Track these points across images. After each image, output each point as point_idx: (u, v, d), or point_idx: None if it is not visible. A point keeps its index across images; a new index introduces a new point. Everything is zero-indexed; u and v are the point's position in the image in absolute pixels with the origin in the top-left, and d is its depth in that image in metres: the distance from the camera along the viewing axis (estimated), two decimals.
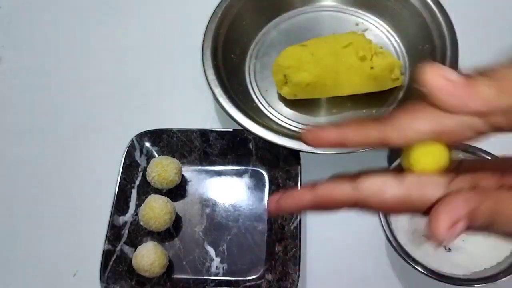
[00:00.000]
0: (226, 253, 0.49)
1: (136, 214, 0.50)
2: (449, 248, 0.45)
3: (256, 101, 0.57)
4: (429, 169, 0.25)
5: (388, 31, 0.60)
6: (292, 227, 0.47)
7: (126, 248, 0.48)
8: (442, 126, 0.24)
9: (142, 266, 0.45)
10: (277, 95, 0.56)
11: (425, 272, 0.43)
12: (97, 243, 0.47)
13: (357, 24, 0.61)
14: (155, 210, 0.47)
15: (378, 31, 0.60)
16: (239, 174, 0.53)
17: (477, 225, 0.22)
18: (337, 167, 0.52)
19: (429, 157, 0.25)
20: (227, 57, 0.57)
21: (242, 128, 0.50)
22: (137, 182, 0.52)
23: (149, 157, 0.53)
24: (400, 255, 0.45)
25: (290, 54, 0.52)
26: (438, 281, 0.43)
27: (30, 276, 0.50)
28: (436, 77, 0.24)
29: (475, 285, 0.43)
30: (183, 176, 0.52)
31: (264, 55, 0.60)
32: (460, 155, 0.46)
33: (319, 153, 0.47)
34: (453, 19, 0.54)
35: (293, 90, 0.53)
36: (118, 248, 0.48)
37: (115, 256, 0.47)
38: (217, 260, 0.48)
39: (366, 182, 0.26)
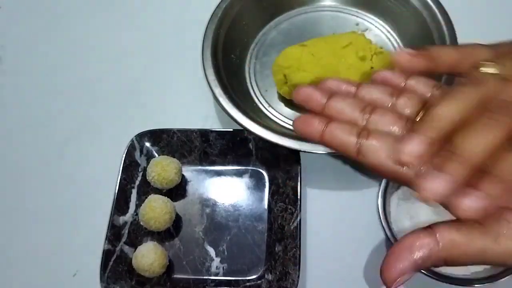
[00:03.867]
0: (226, 253, 0.49)
1: (136, 214, 0.50)
2: None
3: (256, 101, 0.57)
4: None
5: (388, 31, 0.60)
6: (292, 227, 0.47)
7: (126, 248, 0.48)
8: None
9: (142, 266, 0.45)
10: (277, 95, 0.56)
11: (425, 272, 0.43)
12: (97, 243, 0.47)
13: (357, 24, 0.61)
14: (155, 210, 0.47)
15: (378, 31, 0.60)
16: (239, 174, 0.53)
17: (429, 267, 0.24)
18: (337, 167, 0.52)
19: None
20: (227, 57, 0.57)
21: (242, 128, 0.50)
22: (137, 182, 0.52)
23: (149, 157, 0.53)
24: None
25: (290, 54, 0.52)
26: (438, 281, 0.43)
27: (30, 276, 0.50)
28: None
29: (475, 285, 0.43)
30: (183, 176, 0.52)
31: (264, 55, 0.60)
32: None
33: (319, 153, 0.47)
34: (453, 19, 0.54)
35: (293, 90, 0.52)
36: (118, 248, 0.48)
37: (115, 256, 0.47)
38: (217, 260, 0.48)
39: (372, 142, 0.27)
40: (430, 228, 0.24)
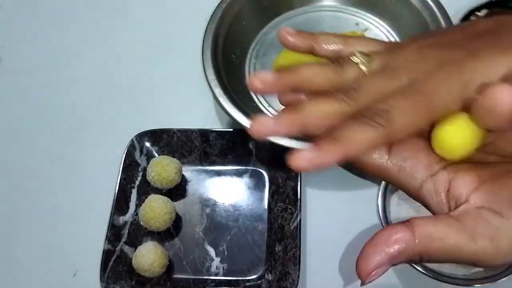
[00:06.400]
0: (226, 253, 0.49)
1: (136, 214, 0.50)
2: None
3: (256, 101, 0.57)
4: (457, 154, 0.24)
5: (388, 31, 0.60)
6: (292, 227, 0.47)
7: (126, 248, 0.48)
8: None
9: (142, 266, 0.45)
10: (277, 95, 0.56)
11: (425, 272, 0.43)
12: (97, 243, 0.47)
13: (357, 24, 0.61)
14: (155, 210, 0.47)
15: (378, 31, 0.60)
16: (239, 174, 0.53)
17: (404, 261, 0.23)
18: (337, 167, 0.52)
19: (457, 138, 0.24)
20: (227, 57, 0.57)
21: (242, 128, 0.50)
22: (137, 182, 0.52)
23: (149, 157, 0.53)
24: None
25: (290, 54, 0.52)
26: (438, 280, 0.43)
27: (30, 276, 0.50)
28: None
29: (475, 285, 0.43)
30: (183, 176, 0.52)
31: (264, 55, 0.60)
32: None
33: None
34: (453, 19, 0.54)
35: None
36: (118, 248, 0.48)
37: (115, 256, 0.47)
38: (217, 260, 0.48)
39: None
40: (408, 222, 0.24)
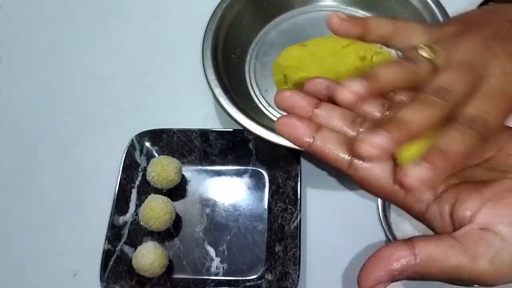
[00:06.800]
0: (226, 253, 0.49)
1: (136, 214, 0.50)
2: None
3: (256, 101, 0.57)
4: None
5: None
6: (292, 227, 0.47)
7: (126, 248, 0.48)
8: None
9: (142, 266, 0.45)
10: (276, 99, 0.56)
11: None
12: (97, 243, 0.47)
13: None
14: (155, 210, 0.47)
15: None
16: (239, 174, 0.53)
17: (404, 279, 0.24)
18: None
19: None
20: (227, 57, 0.57)
21: (242, 128, 0.50)
22: (137, 182, 0.52)
23: (149, 157, 0.53)
24: None
25: (290, 54, 0.52)
26: (438, 280, 0.43)
27: (30, 276, 0.50)
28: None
29: (475, 285, 0.43)
30: (183, 176, 0.52)
31: (264, 55, 0.60)
32: None
33: None
34: None
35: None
36: (118, 248, 0.48)
37: (115, 256, 0.47)
38: (217, 260, 0.48)
39: (363, 166, 0.26)
40: (409, 241, 0.24)
